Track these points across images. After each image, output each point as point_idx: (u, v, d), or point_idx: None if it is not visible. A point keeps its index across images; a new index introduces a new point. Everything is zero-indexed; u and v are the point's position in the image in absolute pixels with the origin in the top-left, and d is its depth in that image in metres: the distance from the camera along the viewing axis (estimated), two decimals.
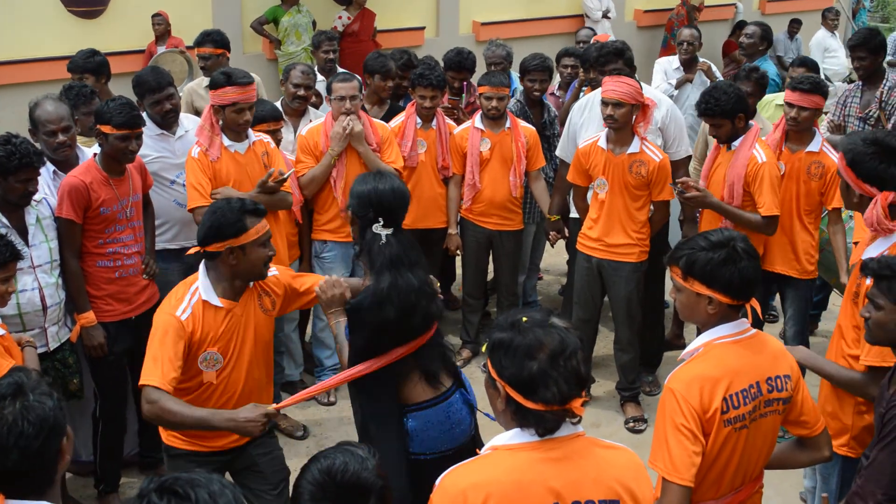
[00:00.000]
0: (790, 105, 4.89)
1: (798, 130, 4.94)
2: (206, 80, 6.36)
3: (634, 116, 4.96)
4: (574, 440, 2.26)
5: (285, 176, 4.69)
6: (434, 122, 5.75)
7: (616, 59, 5.35)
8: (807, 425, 2.92)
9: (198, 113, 5.92)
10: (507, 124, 5.72)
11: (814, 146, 4.94)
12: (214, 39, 6.26)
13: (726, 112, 4.81)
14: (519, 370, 2.20)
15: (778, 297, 5.56)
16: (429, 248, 5.98)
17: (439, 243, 5.94)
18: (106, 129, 4.18)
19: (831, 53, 11.01)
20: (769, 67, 7.75)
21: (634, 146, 5.01)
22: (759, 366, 2.76)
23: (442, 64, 6.31)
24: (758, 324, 2.87)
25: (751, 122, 4.98)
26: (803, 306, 5.17)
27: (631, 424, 5.40)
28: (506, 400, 2.24)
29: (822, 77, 10.66)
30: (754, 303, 2.81)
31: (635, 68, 5.45)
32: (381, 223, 3.27)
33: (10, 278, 3.57)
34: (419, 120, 5.71)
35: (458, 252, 5.98)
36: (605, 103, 4.93)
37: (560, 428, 2.24)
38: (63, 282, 4.26)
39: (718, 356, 2.74)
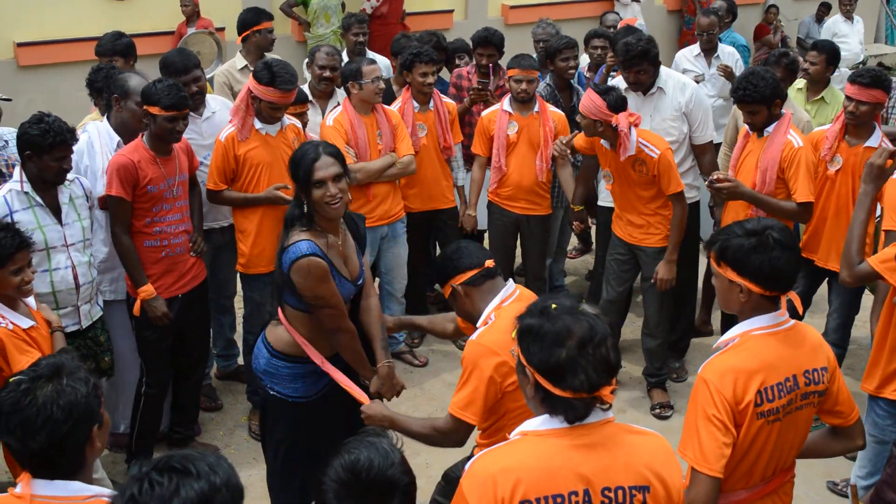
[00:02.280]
0: (849, 98, 4.77)
1: (857, 125, 4.82)
2: (241, 62, 6.32)
3: (602, 130, 4.85)
4: (604, 426, 2.25)
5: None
6: (431, 104, 5.73)
7: (642, 61, 5.20)
8: (841, 415, 2.89)
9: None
10: (536, 108, 5.68)
11: (872, 141, 4.80)
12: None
13: (765, 98, 4.73)
14: (547, 357, 2.19)
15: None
16: (439, 230, 6.00)
17: (450, 223, 5.93)
18: (154, 110, 4.21)
19: (842, 39, 10.88)
20: (736, 38, 7.95)
21: (631, 150, 4.88)
22: (796, 359, 2.72)
23: (470, 44, 6.31)
24: (795, 317, 2.83)
25: (782, 110, 4.92)
26: (848, 300, 5.09)
27: (657, 411, 5.39)
28: (535, 386, 2.24)
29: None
30: (792, 296, 2.76)
31: (659, 63, 5.36)
32: None
33: (24, 268, 3.53)
34: (416, 104, 5.68)
35: (474, 231, 5.95)
36: None
37: (590, 414, 2.23)
38: (119, 257, 4.34)
39: (754, 348, 2.70)
